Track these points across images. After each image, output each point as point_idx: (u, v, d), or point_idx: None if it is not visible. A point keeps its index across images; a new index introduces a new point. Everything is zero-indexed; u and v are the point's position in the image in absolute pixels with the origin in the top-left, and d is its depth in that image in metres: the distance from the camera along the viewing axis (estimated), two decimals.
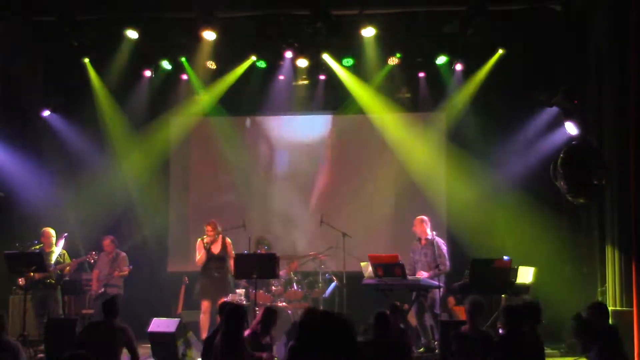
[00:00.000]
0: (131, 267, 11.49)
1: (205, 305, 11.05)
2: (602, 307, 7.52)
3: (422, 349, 10.06)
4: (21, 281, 10.58)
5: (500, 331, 7.46)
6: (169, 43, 12.17)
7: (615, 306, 9.49)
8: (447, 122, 13.05)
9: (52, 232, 11.10)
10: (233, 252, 11.13)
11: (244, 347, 6.86)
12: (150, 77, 12.90)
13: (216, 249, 11.12)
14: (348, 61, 12.51)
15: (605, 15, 10.17)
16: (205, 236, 11.15)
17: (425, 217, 10.86)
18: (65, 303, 11.20)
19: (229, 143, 13.67)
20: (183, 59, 12.60)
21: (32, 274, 10.42)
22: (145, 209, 13.23)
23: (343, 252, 11.70)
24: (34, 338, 10.46)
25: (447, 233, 12.28)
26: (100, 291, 11.31)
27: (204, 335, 10.87)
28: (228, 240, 11.27)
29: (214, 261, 11.06)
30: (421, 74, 12.75)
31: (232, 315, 6.88)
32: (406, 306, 10.51)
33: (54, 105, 12.57)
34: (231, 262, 10.99)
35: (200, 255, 11.12)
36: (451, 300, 11.41)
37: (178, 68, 12.79)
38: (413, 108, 13.21)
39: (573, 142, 10.24)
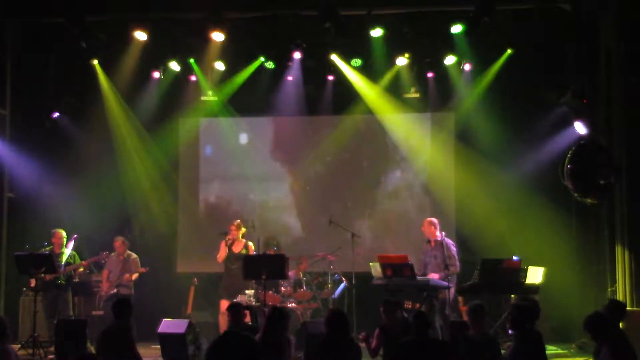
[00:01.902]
0: (147, 268, 11.52)
1: (223, 305, 11.08)
2: (619, 304, 7.52)
3: None
4: (32, 282, 10.61)
5: (510, 331, 7.45)
6: (178, 44, 12.18)
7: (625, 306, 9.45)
8: (456, 122, 13.03)
9: (63, 233, 11.13)
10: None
11: (286, 348, 6.92)
12: (159, 79, 12.92)
13: (237, 248, 11.22)
14: (356, 62, 12.48)
15: (615, 14, 10.14)
16: (229, 236, 11.25)
17: (434, 219, 10.86)
18: (75, 304, 11.22)
19: (237, 144, 13.68)
20: (192, 60, 12.61)
21: (42, 275, 10.43)
22: (154, 210, 13.25)
23: (352, 252, 11.73)
24: (44, 339, 10.50)
25: (456, 233, 12.28)
26: (111, 292, 11.34)
27: None
28: (250, 243, 11.31)
29: (234, 260, 11.13)
30: (430, 74, 12.73)
31: (275, 316, 6.94)
32: (417, 306, 10.50)
33: (63, 107, 12.61)
34: None
35: (220, 252, 11.21)
36: (461, 300, 11.38)
37: (187, 69, 12.79)
38: (422, 108, 13.19)
39: (581, 142, 10.22)
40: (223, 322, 11.07)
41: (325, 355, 6.61)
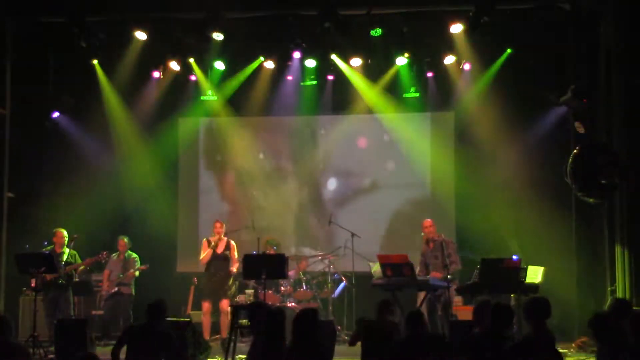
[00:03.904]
0: (147, 265, 11.53)
1: (205, 306, 11.10)
2: (624, 303, 7.50)
3: None
4: (33, 282, 10.61)
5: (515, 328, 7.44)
6: (178, 44, 12.18)
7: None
8: (456, 122, 13.03)
9: (64, 232, 11.11)
10: (237, 254, 11.16)
11: (284, 350, 6.84)
12: (159, 78, 12.93)
13: (220, 249, 11.17)
14: (356, 61, 12.46)
15: (615, 14, 10.15)
16: (211, 236, 11.20)
17: (430, 220, 10.87)
18: (75, 304, 11.23)
19: (237, 144, 13.68)
20: (192, 60, 12.62)
21: (42, 274, 10.43)
22: (154, 210, 13.24)
23: (352, 252, 11.73)
24: (44, 339, 10.49)
25: (456, 232, 12.28)
26: (112, 290, 11.36)
27: (207, 336, 10.90)
28: (232, 242, 11.29)
29: (217, 261, 11.11)
30: (429, 74, 12.73)
31: (273, 318, 6.87)
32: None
33: (63, 106, 12.62)
34: (234, 265, 11.06)
35: (205, 254, 11.17)
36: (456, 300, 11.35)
37: (187, 69, 12.80)
38: (421, 108, 13.19)
39: (585, 141, 10.23)
40: (206, 323, 11.07)
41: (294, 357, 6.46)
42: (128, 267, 11.50)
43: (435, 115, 13.32)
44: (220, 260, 11.12)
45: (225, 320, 10.88)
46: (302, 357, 6.32)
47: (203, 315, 11.10)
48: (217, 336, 11.23)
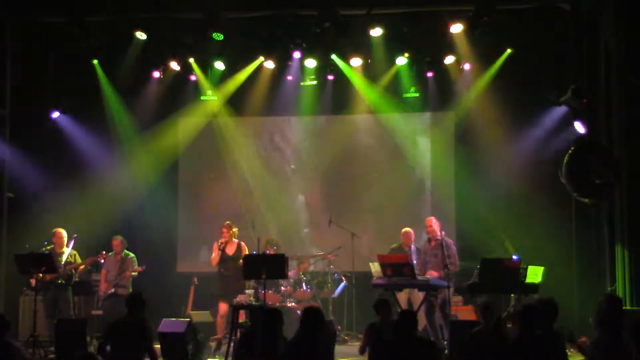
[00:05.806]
0: (144, 267, 11.53)
1: (222, 307, 11.06)
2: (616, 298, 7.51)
3: None
4: (32, 282, 10.60)
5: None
6: (178, 44, 12.19)
7: (625, 305, 9.43)
8: (456, 122, 13.04)
9: (63, 232, 11.12)
10: None
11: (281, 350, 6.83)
12: (159, 78, 12.93)
13: (230, 250, 11.18)
14: (356, 62, 12.48)
15: (615, 14, 10.14)
16: (221, 239, 11.22)
17: (434, 219, 10.87)
18: (75, 304, 11.22)
19: (237, 144, 13.68)
20: (192, 60, 12.62)
21: (41, 274, 10.42)
22: (154, 210, 13.24)
23: (352, 252, 11.73)
24: (44, 339, 10.49)
25: (456, 232, 12.28)
26: (109, 291, 11.34)
27: (220, 335, 10.91)
28: (243, 244, 11.28)
29: (228, 262, 11.11)
30: (429, 74, 12.73)
31: (269, 318, 6.87)
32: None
33: (63, 106, 12.62)
34: None
35: (214, 255, 11.19)
36: (456, 300, 11.36)
37: (187, 69, 12.80)
38: (421, 108, 13.20)
39: (579, 141, 10.23)
40: (221, 323, 11.08)
41: (299, 355, 6.42)
42: (125, 267, 11.46)
43: (435, 115, 13.33)
44: (229, 262, 11.12)
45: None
46: (304, 354, 6.33)
47: (219, 317, 11.07)
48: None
